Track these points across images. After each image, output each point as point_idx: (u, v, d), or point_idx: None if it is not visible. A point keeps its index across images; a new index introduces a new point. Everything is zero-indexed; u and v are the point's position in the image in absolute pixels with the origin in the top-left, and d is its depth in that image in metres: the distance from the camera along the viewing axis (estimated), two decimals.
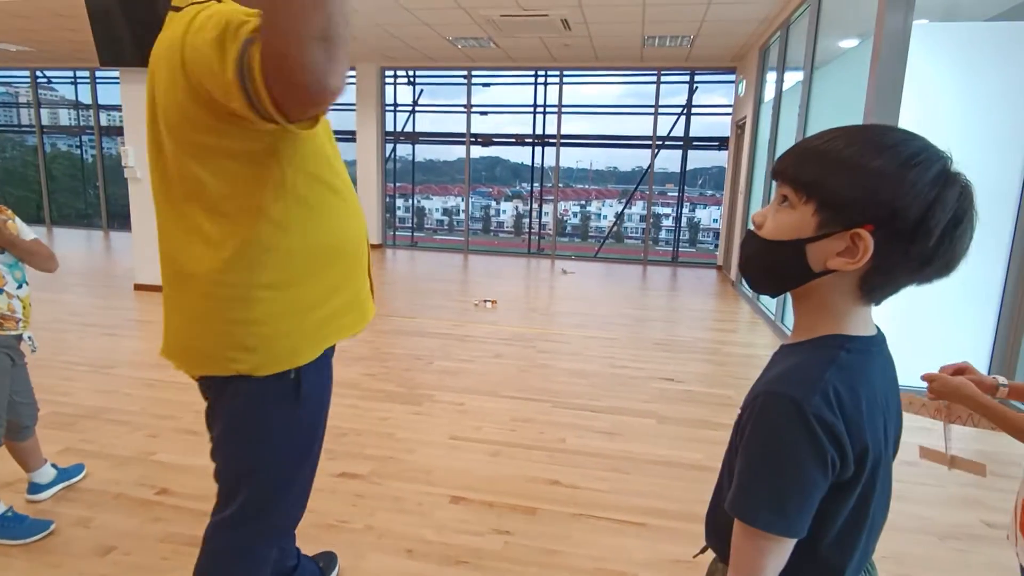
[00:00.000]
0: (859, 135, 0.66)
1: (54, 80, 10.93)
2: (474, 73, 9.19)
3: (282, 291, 1.05)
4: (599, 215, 13.52)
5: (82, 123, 10.91)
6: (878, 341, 0.74)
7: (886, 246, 0.64)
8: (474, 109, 9.40)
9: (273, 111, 0.83)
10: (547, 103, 9.47)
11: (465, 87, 9.25)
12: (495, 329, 4.73)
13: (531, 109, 9.60)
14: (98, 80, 10.16)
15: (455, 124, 9.60)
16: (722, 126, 8.85)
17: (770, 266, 0.72)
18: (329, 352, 1.19)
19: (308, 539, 1.87)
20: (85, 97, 10.55)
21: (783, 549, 0.66)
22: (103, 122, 10.38)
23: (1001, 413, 1.07)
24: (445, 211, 16.60)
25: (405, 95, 10.07)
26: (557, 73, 9.07)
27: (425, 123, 10.26)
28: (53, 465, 2.17)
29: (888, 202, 0.62)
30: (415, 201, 11.81)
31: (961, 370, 1.14)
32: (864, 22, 3.58)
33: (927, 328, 3.38)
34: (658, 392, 3.42)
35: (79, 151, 11.32)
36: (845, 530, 0.70)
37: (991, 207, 3.30)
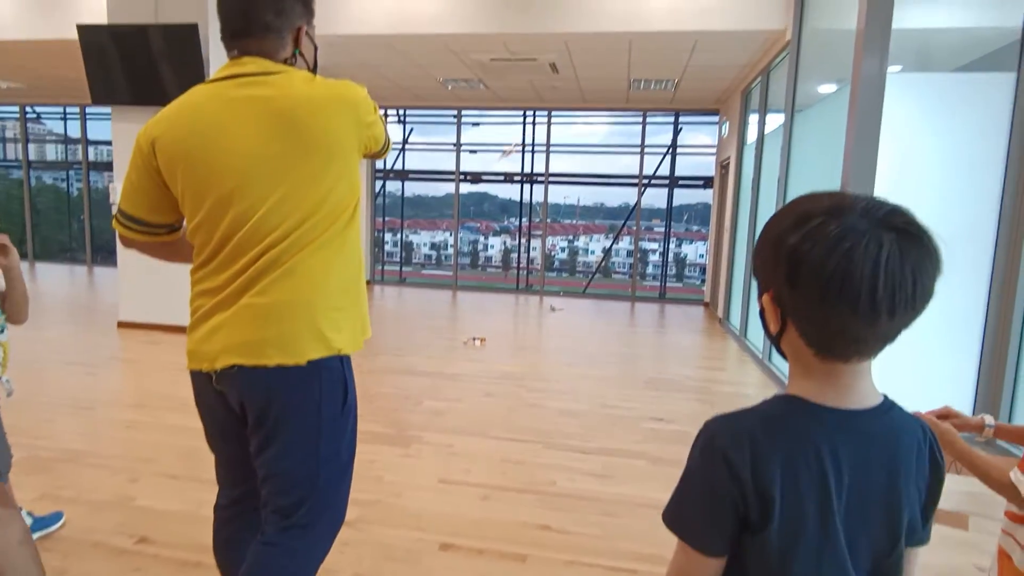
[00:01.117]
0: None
1: (44, 116, 10.97)
2: (464, 112, 9.36)
3: (354, 284, 1.27)
4: (587, 250, 13.65)
5: (69, 158, 10.91)
6: (862, 416, 0.71)
7: (791, 300, 0.68)
8: (463, 147, 9.54)
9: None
10: (535, 142, 9.64)
11: (455, 126, 9.40)
12: (485, 367, 4.71)
13: (520, 147, 9.76)
14: (88, 116, 10.20)
15: (445, 161, 9.72)
16: (707, 165, 9.04)
17: (768, 338, 0.78)
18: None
19: None
20: (73, 131, 10.58)
21: (703, 566, 0.73)
22: (90, 157, 10.39)
23: (977, 463, 1.09)
24: (433, 245, 16.63)
25: (396, 133, 10.19)
26: (545, 113, 9.26)
27: (415, 160, 10.38)
28: (29, 513, 2.10)
29: (769, 263, 0.69)
30: (403, 236, 11.86)
31: (944, 415, 1.16)
32: (842, 68, 3.72)
33: (909, 369, 3.42)
34: (650, 432, 3.40)
35: (65, 184, 11.28)
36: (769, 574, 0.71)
37: (966, 249, 3.38)
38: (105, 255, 10.32)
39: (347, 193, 1.22)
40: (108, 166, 9.77)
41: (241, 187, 1.15)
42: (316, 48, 1.33)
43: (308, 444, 1.22)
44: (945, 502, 0.98)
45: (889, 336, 0.67)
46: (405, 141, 10.09)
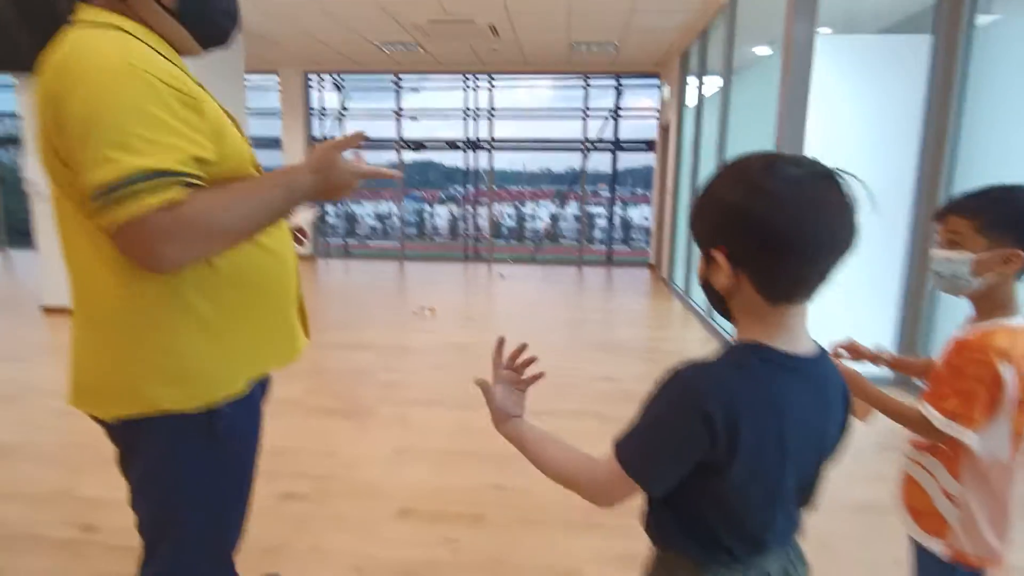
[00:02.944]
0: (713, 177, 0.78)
1: None
2: (403, 77, 9.11)
3: (206, 320, 1.00)
4: (534, 216, 13.68)
5: None
6: (810, 363, 0.78)
7: (742, 252, 0.73)
8: (404, 114, 9.32)
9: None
10: (478, 107, 9.51)
11: (394, 92, 9.15)
12: (435, 338, 4.72)
13: (462, 113, 9.62)
14: None
15: (385, 129, 9.48)
16: (649, 128, 9.16)
17: (709, 299, 0.83)
18: (256, 386, 1.14)
19: (249, 565, 1.81)
20: None
21: (630, 491, 0.80)
22: None
23: (882, 401, 1.21)
24: (378, 216, 16.29)
25: (332, 100, 9.85)
26: (487, 77, 9.12)
27: (354, 128, 10.05)
28: None
29: (718, 217, 0.75)
30: (345, 207, 11.57)
31: (849, 347, 1.32)
32: (776, 31, 3.81)
33: (840, 313, 3.63)
34: (599, 394, 3.51)
35: None
36: (725, 510, 0.78)
37: (888, 205, 3.58)
38: (18, 237, 9.60)
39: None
40: (14, 140, 9.05)
41: None
42: None
43: (160, 489, 1.11)
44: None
45: (827, 275, 0.74)
46: (343, 108, 9.76)
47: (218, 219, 0.89)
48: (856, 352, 1.33)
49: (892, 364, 1.36)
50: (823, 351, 0.81)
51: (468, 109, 9.54)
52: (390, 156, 9.55)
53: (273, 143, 9.15)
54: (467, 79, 9.34)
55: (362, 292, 6.87)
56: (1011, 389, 1.13)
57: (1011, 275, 1.14)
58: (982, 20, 3.21)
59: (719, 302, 0.80)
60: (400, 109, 9.25)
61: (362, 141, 1.05)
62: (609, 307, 6.37)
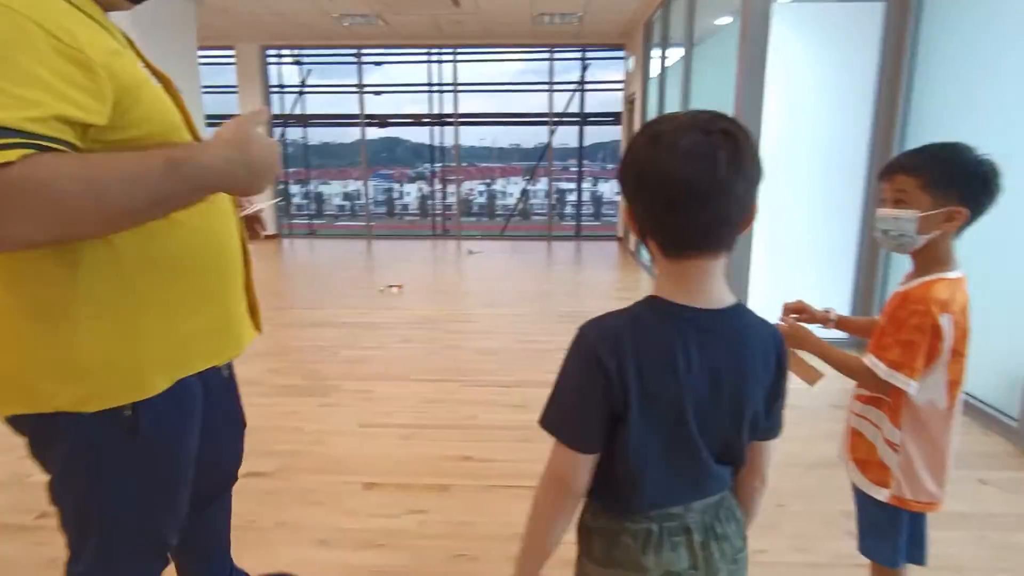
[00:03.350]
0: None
1: None
2: (364, 52, 8.90)
3: (110, 310, 0.89)
4: (505, 193, 13.61)
5: None
6: (714, 316, 0.79)
7: (638, 204, 0.77)
8: (367, 89, 9.12)
9: None
10: (443, 82, 9.36)
11: (356, 67, 8.94)
12: (402, 314, 4.69)
13: (427, 88, 9.46)
14: None
15: (348, 105, 9.28)
16: (616, 101, 9.14)
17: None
18: (190, 382, 1.03)
19: None
20: None
21: (579, 462, 0.80)
22: None
23: (831, 355, 1.25)
24: (346, 196, 16.00)
25: (293, 76, 9.58)
26: (451, 51, 8.96)
27: (316, 105, 9.83)
28: None
29: (623, 171, 0.78)
30: (312, 187, 11.36)
31: (798, 309, 1.37)
32: (734, 0, 3.81)
33: (797, 282, 3.72)
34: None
35: None
36: (629, 458, 0.79)
37: (844, 171, 3.65)
38: None
39: None
40: None
41: None
42: None
43: (73, 492, 1.02)
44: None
45: (715, 229, 0.75)
46: (303, 84, 9.51)
47: (66, 192, 0.71)
48: (805, 313, 1.37)
49: (839, 325, 1.41)
50: (740, 306, 0.81)
51: (432, 83, 9.38)
52: (355, 133, 9.36)
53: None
54: (430, 53, 9.17)
55: (328, 271, 6.78)
56: (948, 339, 1.17)
57: (952, 231, 1.18)
58: None
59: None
60: (363, 85, 9.05)
61: (265, 118, 0.95)
62: (577, 279, 6.40)
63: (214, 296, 1.04)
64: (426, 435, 2.62)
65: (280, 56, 9.14)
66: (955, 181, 1.15)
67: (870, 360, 1.20)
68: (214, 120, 9.47)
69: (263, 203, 1.30)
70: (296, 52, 9.17)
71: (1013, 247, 2.58)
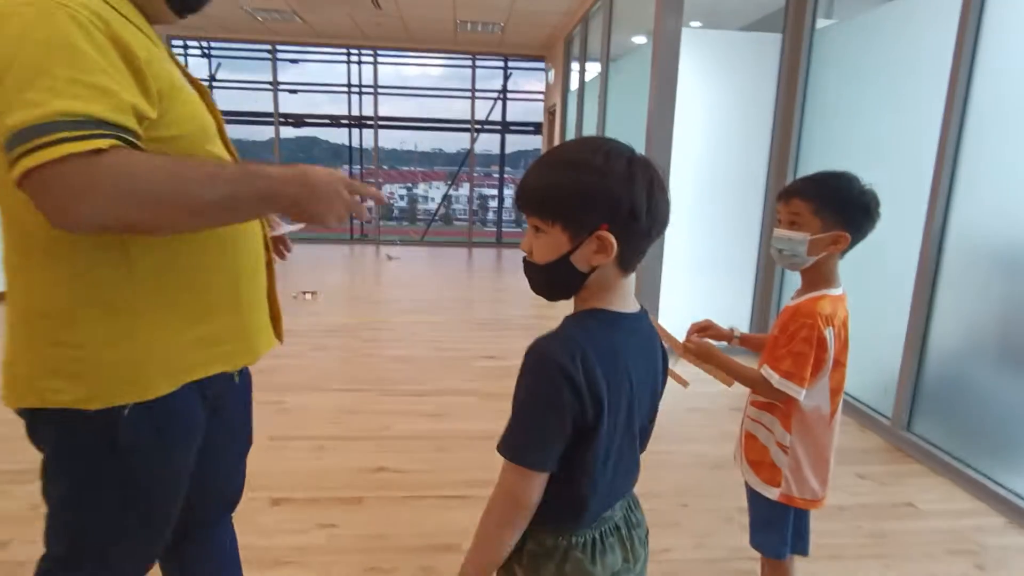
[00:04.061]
0: (561, 163, 0.80)
1: None
2: (280, 48, 8.58)
3: (117, 311, 0.90)
4: (427, 197, 13.49)
5: None
6: (636, 319, 0.87)
7: (623, 232, 0.78)
8: (282, 87, 8.79)
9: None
10: (363, 83, 9.18)
11: (271, 63, 8.60)
12: (317, 320, 4.54)
13: (346, 88, 9.24)
14: None
15: (262, 103, 8.90)
16: (537, 111, 9.31)
17: (553, 282, 0.85)
18: (191, 389, 1.00)
19: None
20: None
21: (536, 481, 0.80)
22: None
23: (732, 367, 1.34)
24: None
25: (200, 69, 9.08)
26: (371, 53, 8.81)
27: (226, 100, 9.36)
28: None
29: (608, 203, 0.77)
30: None
31: (704, 327, 1.44)
32: (649, 20, 4.00)
33: (702, 297, 3.94)
34: (481, 370, 3.56)
35: None
36: (593, 470, 0.83)
37: (746, 192, 3.91)
38: None
39: None
40: None
41: None
42: None
43: (61, 488, 1.01)
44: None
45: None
46: (212, 78, 9.03)
47: (152, 181, 0.76)
48: (711, 330, 1.46)
49: (742, 342, 1.51)
50: (643, 310, 0.90)
51: (352, 84, 9.18)
52: (268, 131, 8.99)
53: None
54: (350, 53, 8.97)
55: None
56: (831, 349, 1.29)
57: (837, 253, 1.30)
58: (822, 23, 3.57)
59: (571, 280, 0.82)
60: (277, 82, 8.71)
61: (383, 203, 1.04)
62: (496, 287, 6.46)
63: (228, 303, 1.03)
64: (339, 447, 2.55)
65: (185, 47, 8.64)
66: (842, 209, 1.28)
67: (766, 371, 1.29)
68: None
69: (290, 227, 1.25)
70: (205, 44, 8.71)
71: (889, 266, 2.86)
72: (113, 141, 0.73)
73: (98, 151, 0.72)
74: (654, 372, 0.90)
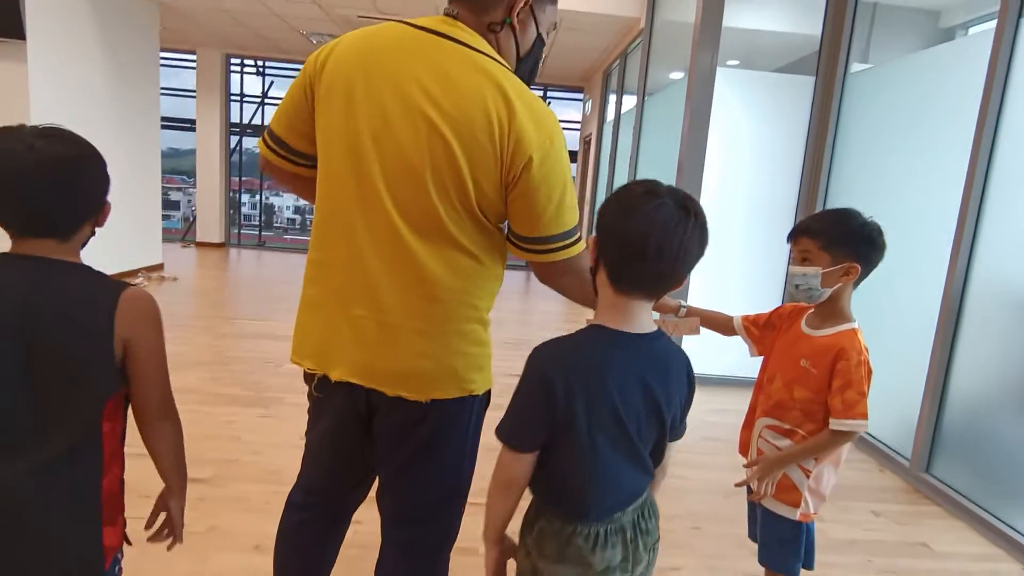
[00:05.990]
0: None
1: None
2: None
3: (484, 321, 1.18)
4: None
5: None
6: (642, 339, 0.95)
7: (603, 249, 0.94)
8: None
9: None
10: None
11: None
12: None
13: None
14: None
15: None
16: (573, 140, 9.50)
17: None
18: None
19: (139, 550, 1.80)
20: None
21: (520, 460, 0.96)
22: None
23: (806, 451, 1.38)
24: (297, 209, 15.75)
25: (254, 85, 9.51)
26: None
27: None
28: None
29: (600, 220, 0.96)
30: (263, 198, 11.20)
31: (672, 308, 1.58)
32: (686, 59, 4.13)
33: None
34: (506, 386, 3.64)
35: None
36: (582, 466, 0.95)
37: (774, 228, 3.96)
38: None
39: None
40: None
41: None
42: (540, 39, 1.16)
43: (455, 463, 1.25)
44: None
45: (663, 280, 0.91)
46: (265, 95, 9.47)
47: (585, 279, 1.07)
48: (657, 306, 1.53)
49: (688, 313, 1.62)
50: (659, 331, 0.99)
51: None
52: None
53: (188, 125, 8.74)
54: None
55: (275, 284, 6.71)
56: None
57: (850, 283, 1.38)
58: (857, 67, 3.65)
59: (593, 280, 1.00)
60: None
61: None
62: (526, 309, 6.56)
63: None
64: None
65: (243, 65, 9.10)
66: (848, 241, 1.36)
67: (844, 425, 1.31)
68: (169, 123, 9.28)
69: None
70: (259, 63, 9.15)
71: (912, 307, 2.88)
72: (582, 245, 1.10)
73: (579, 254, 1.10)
74: (663, 392, 0.96)
